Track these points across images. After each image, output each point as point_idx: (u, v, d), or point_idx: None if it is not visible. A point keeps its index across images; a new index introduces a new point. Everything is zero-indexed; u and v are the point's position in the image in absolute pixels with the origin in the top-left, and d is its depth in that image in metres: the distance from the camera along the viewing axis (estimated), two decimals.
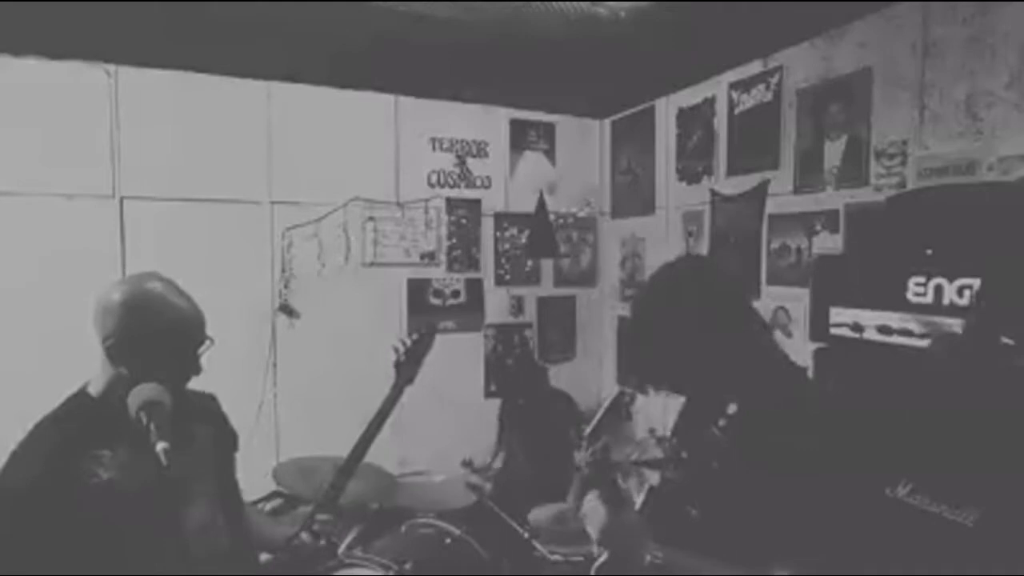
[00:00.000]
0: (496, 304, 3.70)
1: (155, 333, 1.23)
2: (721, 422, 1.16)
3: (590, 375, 3.97)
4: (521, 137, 3.74)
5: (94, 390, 1.27)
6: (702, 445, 1.22)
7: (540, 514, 2.69)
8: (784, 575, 1.08)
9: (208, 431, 1.45)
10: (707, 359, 1.19)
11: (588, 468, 1.23)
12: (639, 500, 1.32)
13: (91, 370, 1.32)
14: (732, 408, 1.15)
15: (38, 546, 1.13)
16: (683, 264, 1.36)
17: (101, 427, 1.21)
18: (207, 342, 1.32)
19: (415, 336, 1.80)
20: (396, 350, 1.77)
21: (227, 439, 1.55)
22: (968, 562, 1.32)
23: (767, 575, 1.08)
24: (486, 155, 3.65)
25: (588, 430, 1.26)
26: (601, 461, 1.23)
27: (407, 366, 1.76)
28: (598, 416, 1.28)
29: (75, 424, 1.23)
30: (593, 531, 1.18)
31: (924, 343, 1.49)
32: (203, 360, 1.34)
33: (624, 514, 1.19)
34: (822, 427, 1.19)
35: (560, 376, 3.73)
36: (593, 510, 1.20)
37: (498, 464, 3.26)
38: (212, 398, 1.53)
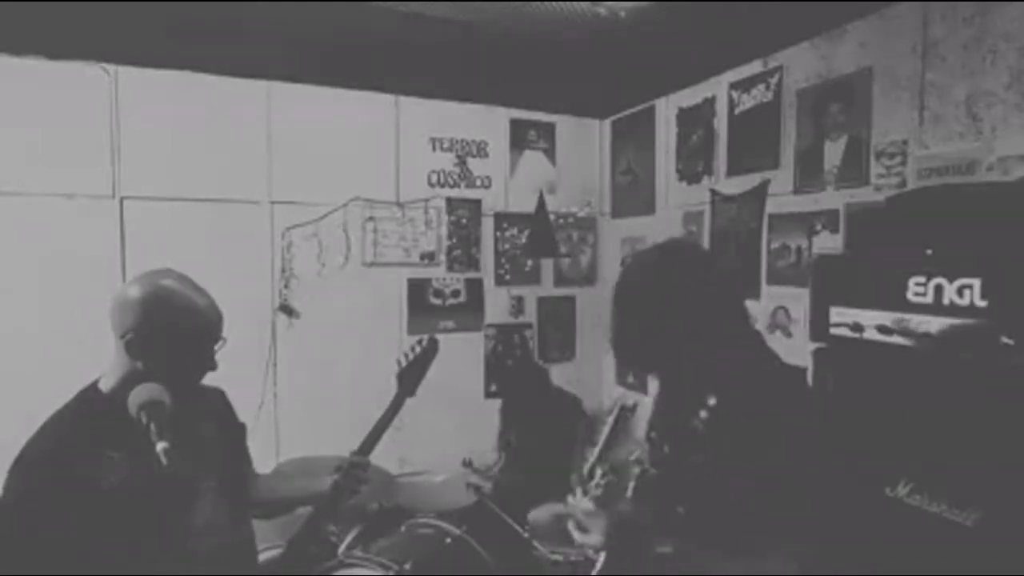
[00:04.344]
0: (496, 304, 3.70)
1: (174, 328, 1.24)
2: (703, 414, 1.14)
3: (590, 375, 3.97)
4: (521, 137, 3.74)
5: (105, 386, 1.27)
6: (683, 439, 1.20)
7: (540, 514, 2.69)
8: (790, 575, 1.07)
9: (215, 428, 1.46)
10: (694, 341, 1.17)
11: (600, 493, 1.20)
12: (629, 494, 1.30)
13: (91, 369, 1.32)
14: (712, 400, 1.13)
15: (44, 544, 1.12)
16: (677, 247, 1.32)
17: (111, 425, 1.20)
18: (223, 340, 1.33)
19: (418, 349, 1.78)
20: (399, 362, 1.76)
21: (236, 433, 1.56)
22: (968, 562, 1.32)
23: (775, 575, 1.07)
24: (486, 155, 3.65)
25: (594, 456, 1.23)
26: (611, 485, 1.21)
27: (409, 379, 1.75)
28: (604, 437, 1.26)
29: (85, 422, 1.23)
30: (597, 533, 1.15)
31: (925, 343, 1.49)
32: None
33: (620, 507, 1.17)
34: (810, 425, 1.17)
35: (560, 376, 3.72)
36: (588, 513, 1.18)
37: (498, 464, 3.26)
38: (220, 393, 1.54)
